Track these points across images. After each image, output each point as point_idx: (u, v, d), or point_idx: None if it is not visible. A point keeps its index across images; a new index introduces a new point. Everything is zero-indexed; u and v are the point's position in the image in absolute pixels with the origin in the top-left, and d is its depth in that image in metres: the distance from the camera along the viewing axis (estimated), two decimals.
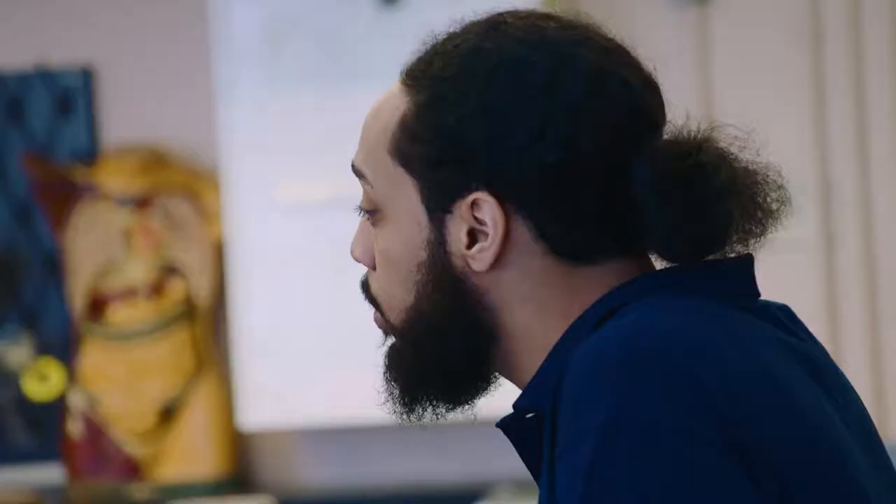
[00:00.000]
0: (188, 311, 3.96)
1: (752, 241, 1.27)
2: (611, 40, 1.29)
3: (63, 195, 4.01)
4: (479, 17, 1.30)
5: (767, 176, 1.27)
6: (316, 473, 3.96)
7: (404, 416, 1.30)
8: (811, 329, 1.32)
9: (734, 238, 1.26)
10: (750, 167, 1.26)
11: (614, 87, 1.26)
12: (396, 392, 1.30)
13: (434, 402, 1.30)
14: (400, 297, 1.29)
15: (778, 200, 1.27)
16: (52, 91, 4.06)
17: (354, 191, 1.34)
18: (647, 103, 1.27)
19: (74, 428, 3.97)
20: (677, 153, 1.25)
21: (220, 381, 3.94)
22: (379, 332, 1.33)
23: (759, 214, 1.26)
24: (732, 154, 1.26)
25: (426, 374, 1.29)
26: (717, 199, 1.24)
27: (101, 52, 4.04)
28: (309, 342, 3.74)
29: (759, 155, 1.27)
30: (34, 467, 4.03)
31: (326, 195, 3.70)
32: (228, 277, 3.84)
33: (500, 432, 1.30)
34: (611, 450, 1.15)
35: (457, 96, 1.26)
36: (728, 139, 1.26)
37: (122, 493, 3.93)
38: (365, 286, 1.33)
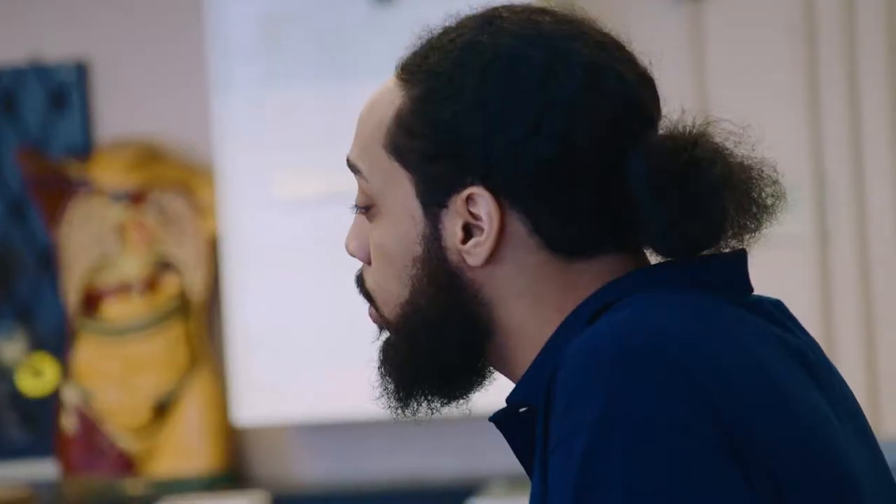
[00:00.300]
0: (182, 307, 3.95)
1: (747, 236, 1.27)
2: (606, 35, 1.29)
3: (57, 190, 4.00)
4: (474, 12, 1.30)
5: (762, 171, 1.27)
6: (310, 469, 3.96)
7: (399, 411, 1.31)
8: (805, 325, 1.32)
9: (729, 233, 1.26)
10: (745, 162, 1.26)
11: (609, 81, 1.26)
12: (391, 387, 1.30)
13: (429, 397, 1.30)
14: (395, 291, 1.29)
15: (773, 196, 1.27)
16: (46, 86, 4.06)
17: (349, 187, 1.34)
18: (642, 98, 1.27)
19: (68, 423, 3.96)
20: (672, 148, 1.25)
21: (215, 377, 3.94)
22: (374, 327, 1.33)
23: (754, 209, 1.26)
24: (727, 149, 1.26)
25: (421, 369, 1.29)
26: (712, 194, 1.24)
27: (95, 47, 4.04)
28: (303, 337, 3.73)
29: (754, 150, 1.27)
30: (28, 462, 4.03)
31: (321, 191, 3.70)
32: (223, 273, 3.84)
33: (494, 427, 1.30)
34: (604, 444, 1.15)
35: (452, 90, 1.26)
36: (723, 134, 1.27)
37: (116, 489, 3.93)
38: (360, 281, 1.33)
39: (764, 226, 1.27)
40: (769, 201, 1.26)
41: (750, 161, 1.27)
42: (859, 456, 1.24)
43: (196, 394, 3.93)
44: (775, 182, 1.27)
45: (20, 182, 4.04)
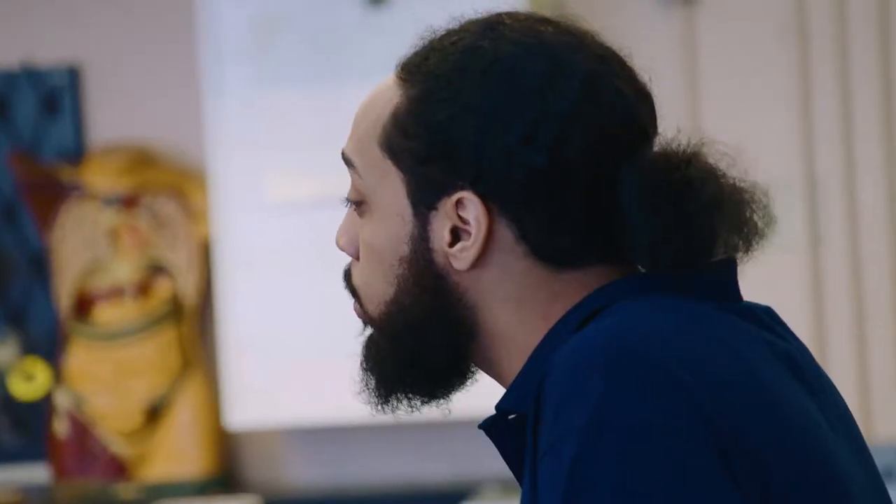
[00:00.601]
0: (175, 311, 3.95)
1: (736, 256, 1.27)
2: (607, 48, 1.29)
3: (49, 194, 4.00)
4: (478, 16, 1.30)
5: (754, 195, 1.27)
6: (302, 473, 3.95)
7: (379, 408, 1.31)
8: (797, 330, 1.33)
9: (719, 252, 1.26)
10: (737, 185, 1.27)
11: (607, 95, 1.26)
12: (372, 383, 1.31)
13: (409, 395, 1.30)
14: (381, 289, 1.29)
15: (763, 220, 1.27)
16: (39, 90, 4.06)
17: (342, 189, 1.34)
18: (638, 113, 1.27)
19: (60, 427, 3.96)
20: (666, 166, 1.25)
21: (207, 381, 3.94)
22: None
23: (744, 231, 1.26)
24: (721, 170, 1.26)
25: (402, 368, 1.29)
26: (702, 213, 1.24)
27: (87, 51, 4.04)
28: (296, 341, 3.73)
29: (746, 173, 1.27)
30: (20, 467, 4.02)
31: (314, 194, 3.70)
32: (215, 277, 3.83)
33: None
34: (593, 450, 1.15)
35: (449, 93, 1.26)
36: (717, 155, 1.27)
37: (109, 493, 3.93)
38: (347, 275, 1.33)
39: (753, 247, 1.27)
40: (759, 225, 1.27)
41: (742, 184, 1.27)
42: (849, 460, 1.24)
43: (188, 398, 3.93)
44: (766, 206, 1.27)
45: (12, 186, 4.04)
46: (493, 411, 1.29)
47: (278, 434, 3.95)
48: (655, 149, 1.27)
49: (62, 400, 3.96)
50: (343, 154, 1.32)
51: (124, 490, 3.92)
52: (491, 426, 1.28)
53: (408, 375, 1.29)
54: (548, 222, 1.25)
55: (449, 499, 3.65)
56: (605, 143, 1.25)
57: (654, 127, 1.28)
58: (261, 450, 3.97)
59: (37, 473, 4.00)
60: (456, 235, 1.27)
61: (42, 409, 4.01)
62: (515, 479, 1.29)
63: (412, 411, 1.31)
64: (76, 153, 4.04)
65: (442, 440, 3.82)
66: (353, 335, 1.37)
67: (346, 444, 3.91)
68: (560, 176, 1.24)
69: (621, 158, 1.25)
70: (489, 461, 3.45)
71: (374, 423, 3.60)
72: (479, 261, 1.26)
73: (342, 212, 1.34)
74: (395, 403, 1.30)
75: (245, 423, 3.80)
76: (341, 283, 1.34)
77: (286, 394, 3.75)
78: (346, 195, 1.32)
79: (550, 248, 1.26)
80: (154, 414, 3.93)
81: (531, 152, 1.24)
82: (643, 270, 1.28)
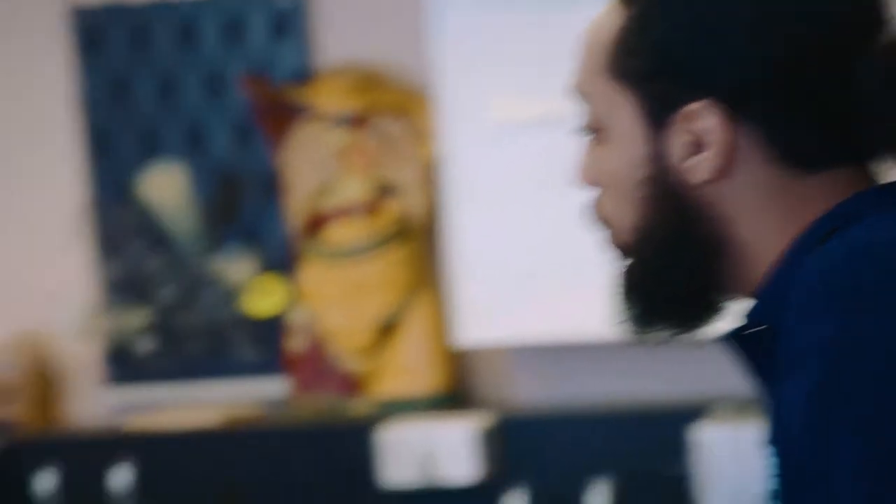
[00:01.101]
0: (403, 230, 3.99)
1: None
2: None
3: (280, 116, 4.07)
4: None
5: None
6: (532, 391, 3.97)
7: (637, 337, 1.30)
8: None
9: None
10: None
11: None
12: (630, 312, 1.30)
13: (666, 322, 1.29)
14: (627, 215, 1.29)
15: None
16: (269, 13, 4.12)
17: (568, 110, 1.33)
18: (864, 1, 1.24)
19: (295, 343, 4.05)
20: None
21: (436, 299, 3.98)
22: (593, 250, 1.33)
23: None
24: None
25: (657, 292, 1.29)
26: None
27: None
28: (522, 260, 3.74)
29: None
30: (259, 380, 4.13)
31: (539, 113, 3.69)
32: (442, 197, 3.86)
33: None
34: (836, 369, 1.13)
35: (670, 5, 1.25)
36: None
37: (343, 408, 4.01)
38: (594, 208, 1.32)
39: None
40: None
41: None
42: None
43: (418, 316, 3.97)
44: None
45: (245, 108, 4.12)
46: (721, 329, 1.28)
47: (505, 352, 3.98)
48: (890, 36, 1.24)
49: (296, 316, 4.05)
50: (573, 87, 1.32)
51: (357, 405, 3.99)
52: (733, 336, 1.27)
53: (662, 300, 1.28)
54: (787, 122, 1.23)
55: (682, 418, 3.63)
56: (834, 32, 1.22)
57: (883, 15, 1.25)
58: (490, 368, 4.01)
59: (275, 387, 4.10)
60: (694, 148, 1.25)
61: (277, 325, 4.11)
62: (753, 397, 1.27)
63: (670, 339, 1.30)
64: (305, 75, 4.10)
65: (675, 358, 3.79)
66: (578, 255, 1.36)
67: (574, 362, 3.92)
68: (793, 71, 1.22)
69: (853, 48, 1.22)
70: (723, 380, 3.41)
71: (601, 342, 3.60)
72: (721, 172, 1.25)
73: (566, 131, 1.33)
74: (653, 331, 1.30)
75: (473, 340, 3.83)
76: (570, 206, 1.33)
77: (513, 312, 3.76)
78: (581, 127, 1.32)
79: (793, 149, 1.23)
80: (385, 331, 3.99)
81: (760, 50, 1.22)
82: (887, 170, 1.25)
